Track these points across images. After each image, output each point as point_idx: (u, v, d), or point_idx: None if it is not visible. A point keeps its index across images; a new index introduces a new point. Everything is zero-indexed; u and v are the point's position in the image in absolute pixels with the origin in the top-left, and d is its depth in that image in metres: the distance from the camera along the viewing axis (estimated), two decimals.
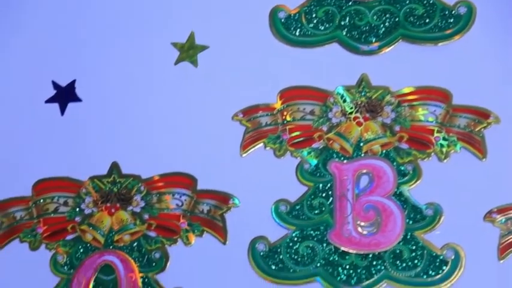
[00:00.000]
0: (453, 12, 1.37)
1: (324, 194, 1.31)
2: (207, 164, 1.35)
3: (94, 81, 1.42)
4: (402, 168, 1.30)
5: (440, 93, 1.33)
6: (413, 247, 1.26)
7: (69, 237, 1.33)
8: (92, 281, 1.30)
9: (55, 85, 1.44)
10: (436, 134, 1.31)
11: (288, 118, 1.36)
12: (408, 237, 1.26)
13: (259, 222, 1.31)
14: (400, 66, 1.36)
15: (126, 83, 1.41)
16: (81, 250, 1.32)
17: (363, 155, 1.32)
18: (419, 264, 1.25)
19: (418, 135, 1.32)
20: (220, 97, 1.38)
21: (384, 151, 1.32)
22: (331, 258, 1.28)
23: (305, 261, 1.28)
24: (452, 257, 1.25)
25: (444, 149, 1.31)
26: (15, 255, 1.33)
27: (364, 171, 1.30)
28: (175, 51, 1.42)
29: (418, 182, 1.29)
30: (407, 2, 1.38)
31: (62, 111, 1.42)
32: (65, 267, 1.31)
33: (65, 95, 1.43)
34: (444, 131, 1.32)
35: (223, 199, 1.33)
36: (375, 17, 1.38)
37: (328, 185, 1.31)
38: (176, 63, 1.42)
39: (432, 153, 1.30)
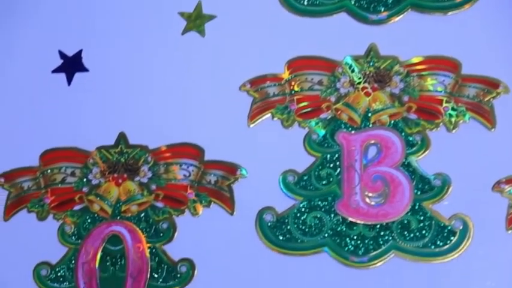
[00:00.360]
0: None
1: (331, 165, 1.30)
2: (215, 134, 1.34)
3: (101, 51, 1.42)
4: (410, 138, 1.30)
5: (450, 62, 1.32)
6: (421, 218, 1.26)
7: (77, 207, 1.33)
8: (100, 251, 1.30)
9: (62, 55, 1.43)
10: (444, 104, 1.31)
11: (296, 88, 1.35)
12: (416, 207, 1.26)
13: (266, 193, 1.31)
14: (409, 35, 1.35)
15: (133, 53, 1.41)
16: (89, 220, 1.33)
17: (371, 125, 1.31)
18: (427, 234, 1.25)
19: (426, 105, 1.31)
20: (228, 67, 1.37)
21: (392, 121, 1.31)
22: (339, 229, 1.27)
23: (313, 231, 1.28)
24: (461, 228, 1.25)
25: (453, 119, 1.30)
26: (23, 226, 1.34)
27: (372, 141, 1.30)
28: (183, 20, 1.41)
29: (426, 152, 1.29)
30: None
31: (69, 81, 1.42)
32: (73, 237, 1.32)
33: (71, 65, 1.42)
34: (453, 101, 1.31)
35: (230, 170, 1.33)
36: None
37: (336, 155, 1.31)
38: (183, 33, 1.41)
39: (441, 124, 1.30)
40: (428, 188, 1.27)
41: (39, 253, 1.31)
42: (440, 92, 1.31)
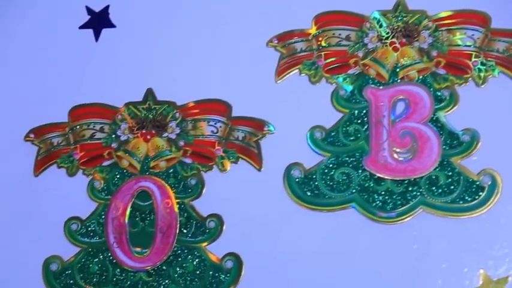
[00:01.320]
0: None
1: (359, 121, 1.30)
2: (242, 90, 1.34)
3: (128, 6, 1.42)
4: (439, 93, 1.29)
5: (479, 16, 1.31)
6: (450, 173, 1.25)
7: (106, 163, 1.34)
8: (129, 207, 1.31)
9: (89, 11, 1.43)
10: (474, 59, 1.29)
11: (323, 44, 1.34)
12: (444, 163, 1.26)
13: (294, 149, 1.31)
14: None
15: (161, 8, 1.40)
16: (118, 176, 1.34)
17: (399, 80, 1.30)
18: (455, 190, 1.25)
19: (455, 60, 1.30)
20: (255, 23, 1.37)
21: (421, 77, 1.30)
22: (367, 185, 1.28)
23: (340, 187, 1.28)
24: (489, 183, 1.24)
25: (482, 74, 1.29)
26: (53, 181, 1.35)
27: (400, 97, 1.29)
28: None
29: (455, 107, 1.28)
30: None
31: (96, 37, 1.42)
32: (102, 193, 1.33)
33: (98, 21, 1.42)
34: (482, 56, 1.29)
35: (258, 126, 1.33)
36: None
37: (364, 111, 1.30)
38: None
39: (470, 79, 1.29)
40: (456, 143, 1.27)
41: (70, 208, 1.33)
42: (470, 46, 1.30)
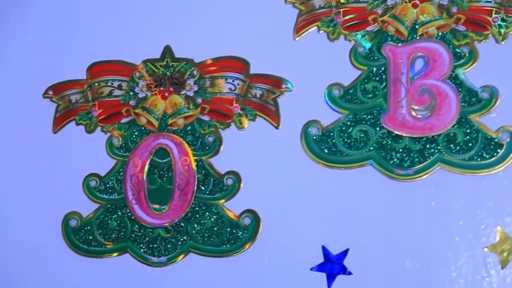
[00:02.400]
0: None
1: (377, 78, 1.29)
2: (260, 47, 1.34)
3: None
4: (458, 50, 1.28)
5: None
6: (468, 130, 1.25)
7: (124, 120, 1.35)
8: (147, 164, 1.32)
9: None
10: (494, 15, 1.28)
11: (342, 0, 1.33)
12: (463, 120, 1.25)
13: (312, 106, 1.31)
14: None
15: None
16: (136, 133, 1.34)
17: (418, 37, 1.29)
18: (473, 147, 1.24)
19: (475, 17, 1.28)
20: None
21: (440, 33, 1.29)
22: (384, 142, 1.27)
23: (358, 145, 1.28)
24: (508, 140, 1.23)
25: (502, 30, 1.27)
26: (72, 138, 1.36)
27: (419, 54, 1.28)
28: None
29: (474, 64, 1.27)
30: None
31: None
32: (121, 150, 1.34)
33: None
34: (503, 12, 1.28)
35: (276, 83, 1.33)
36: None
37: (382, 68, 1.29)
38: None
39: (490, 35, 1.27)
40: (475, 100, 1.26)
41: (88, 165, 1.34)
42: (490, 2, 1.28)
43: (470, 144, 1.24)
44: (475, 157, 1.24)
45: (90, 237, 1.32)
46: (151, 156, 1.32)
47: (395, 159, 1.26)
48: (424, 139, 1.26)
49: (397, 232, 1.24)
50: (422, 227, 1.23)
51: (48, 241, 1.33)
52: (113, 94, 1.36)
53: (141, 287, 1.29)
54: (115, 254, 1.31)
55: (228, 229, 1.29)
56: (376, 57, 1.30)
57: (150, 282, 1.29)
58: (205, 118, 1.33)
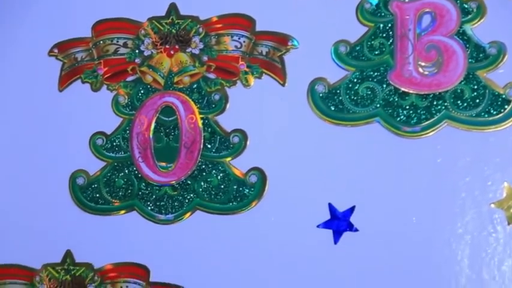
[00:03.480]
0: None
1: (384, 34, 1.28)
2: (266, 4, 1.32)
3: None
4: (466, 6, 1.26)
5: None
6: (475, 86, 1.24)
7: (130, 78, 1.35)
8: (154, 122, 1.32)
9: None
10: None
11: None
12: (470, 76, 1.24)
13: (318, 64, 1.30)
14: None
15: None
16: (142, 91, 1.34)
17: None
18: (480, 103, 1.24)
19: None
20: None
21: None
22: (391, 99, 1.27)
23: (364, 102, 1.27)
24: None
25: None
26: (78, 96, 1.36)
27: (427, 10, 1.27)
28: None
29: (481, 20, 1.26)
30: None
31: None
32: (127, 108, 1.34)
33: None
34: None
35: (282, 40, 1.32)
36: None
37: (389, 25, 1.28)
38: None
39: None
40: (483, 56, 1.25)
41: (94, 123, 1.34)
42: None
43: (477, 101, 1.24)
44: (482, 113, 1.23)
45: (97, 195, 1.32)
46: (157, 115, 1.32)
47: (402, 116, 1.26)
48: (431, 96, 1.25)
49: (403, 189, 1.24)
50: (428, 184, 1.23)
51: (56, 199, 1.33)
52: (119, 52, 1.35)
53: (148, 244, 1.29)
54: (122, 212, 1.32)
55: (235, 187, 1.30)
56: (383, 14, 1.29)
57: (157, 240, 1.29)
58: (211, 76, 1.33)
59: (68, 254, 1.31)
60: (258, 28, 1.32)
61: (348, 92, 1.28)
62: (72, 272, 1.30)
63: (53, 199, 1.33)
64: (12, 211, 1.34)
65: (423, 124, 1.25)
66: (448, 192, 1.23)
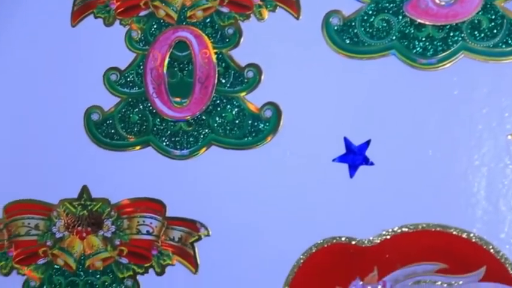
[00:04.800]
0: None
1: None
2: None
3: None
4: None
5: None
6: (493, 16, 1.22)
7: (142, 13, 1.32)
8: (167, 57, 1.31)
9: None
10: None
11: None
12: (488, 6, 1.22)
13: None
14: None
15: None
16: (155, 26, 1.32)
17: None
18: (498, 33, 1.21)
19: None
20: None
21: None
22: (407, 31, 1.25)
23: (380, 34, 1.26)
24: None
25: None
26: (91, 32, 1.35)
27: None
28: None
29: None
30: None
31: None
32: (140, 44, 1.33)
33: None
34: None
35: None
36: None
37: None
38: None
39: None
40: None
41: (108, 59, 1.33)
42: None
43: (495, 31, 1.22)
44: (500, 44, 1.21)
45: (113, 131, 1.32)
46: (171, 50, 1.31)
47: (418, 48, 1.24)
48: (448, 27, 1.23)
49: (419, 122, 1.23)
50: (445, 116, 1.22)
51: (71, 135, 1.33)
52: None
53: (163, 179, 1.30)
54: (137, 148, 1.32)
55: (250, 122, 1.29)
56: None
57: (172, 175, 1.30)
58: (225, 10, 1.31)
59: (85, 190, 1.32)
60: None
61: (363, 24, 1.26)
62: (89, 207, 1.31)
63: (69, 135, 1.33)
64: (29, 148, 1.35)
65: (439, 56, 1.23)
66: (465, 124, 1.21)
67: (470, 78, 1.22)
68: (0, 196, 1.34)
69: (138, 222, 1.30)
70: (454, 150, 1.22)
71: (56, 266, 1.30)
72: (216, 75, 1.30)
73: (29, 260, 1.31)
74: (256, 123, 1.29)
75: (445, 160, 1.22)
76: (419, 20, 1.24)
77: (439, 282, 1.17)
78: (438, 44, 1.23)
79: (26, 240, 1.31)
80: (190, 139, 1.31)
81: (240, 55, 1.31)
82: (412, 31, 1.24)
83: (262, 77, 1.29)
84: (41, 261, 1.31)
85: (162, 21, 1.32)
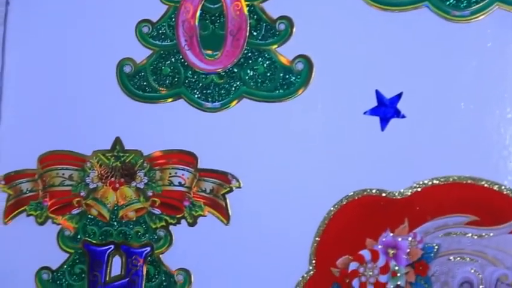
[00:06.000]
0: None
1: None
2: None
3: None
4: None
5: None
6: None
7: None
8: (199, 9, 1.31)
9: None
10: None
11: None
12: None
13: None
14: None
15: None
16: None
17: None
18: None
19: None
20: None
21: None
22: None
23: None
24: None
25: None
26: None
27: None
28: None
29: None
30: None
31: None
32: None
33: None
34: None
35: None
36: None
37: None
38: None
39: None
40: None
41: (140, 11, 1.33)
42: None
43: None
44: None
45: (145, 83, 1.33)
46: (202, 2, 1.31)
47: (451, 0, 1.23)
48: None
49: (451, 74, 1.22)
50: (477, 68, 1.21)
51: (103, 87, 1.35)
52: None
53: (195, 132, 1.31)
54: (169, 100, 1.33)
55: (281, 74, 1.29)
56: None
57: (204, 127, 1.31)
58: None
59: (118, 141, 1.33)
60: None
61: None
62: (122, 159, 1.33)
63: (102, 88, 1.35)
64: (63, 100, 1.36)
65: (473, 8, 1.22)
66: (497, 77, 1.21)
67: (504, 30, 1.21)
68: (35, 147, 1.36)
69: (170, 173, 1.31)
70: (486, 103, 1.21)
71: (89, 216, 1.32)
72: (248, 27, 1.30)
73: (64, 210, 1.34)
74: (287, 76, 1.29)
75: (477, 113, 1.21)
76: None
77: (470, 234, 1.17)
78: None
79: (60, 191, 1.34)
80: (222, 92, 1.31)
81: (272, 8, 1.30)
82: None
83: (294, 30, 1.29)
84: (75, 211, 1.33)
85: None
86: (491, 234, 1.17)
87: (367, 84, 1.25)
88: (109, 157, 1.33)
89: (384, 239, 1.21)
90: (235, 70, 1.31)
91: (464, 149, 1.21)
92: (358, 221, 1.23)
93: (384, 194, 1.22)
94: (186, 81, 1.32)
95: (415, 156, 1.22)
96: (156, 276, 1.29)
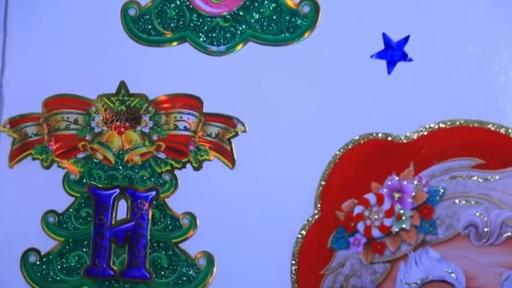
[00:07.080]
0: None
1: None
2: None
3: None
4: None
5: None
6: None
7: None
8: None
9: None
10: None
11: None
12: None
13: None
14: None
15: None
16: None
17: None
18: None
19: None
20: None
21: None
22: None
23: None
24: None
25: None
26: None
27: None
28: None
29: None
30: None
31: None
32: None
33: None
34: None
35: None
36: None
37: None
38: None
39: None
40: None
41: None
42: None
43: None
44: None
45: (150, 27, 1.32)
46: None
47: None
48: None
49: (459, 17, 1.21)
50: (485, 11, 1.20)
51: (108, 30, 1.33)
52: None
53: (200, 75, 1.30)
54: (174, 43, 1.31)
55: (287, 17, 1.28)
56: None
57: (209, 71, 1.30)
58: None
59: (122, 85, 1.32)
60: None
61: None
62: (127, 103, 1.32)
63: (106, 30, 1.33)
64: (67, 43, 1.35)
65: None
66: (506, 20, 1.19)
67: None
68: (39, 90, 1.36)
69: (175, 118, 1.31)
70: (494, 45, 1.20)
71: (95, 160, 1.32)
72: None
73: (69, 154, 1.34)
74: (293, 19, 1.28)
75: (485, 55, 1.20)
76: None
77: (475, 177, 1.17)
78: None
79: (66, 135, 1.34)
80: (227, 35, 1.30)
81: None
82: None
83: None
84: (80, 155, 1.33)
85: None
86: (497, 177, 1.16)
87: (374, 27, 1.24)
88: (114, 101, 1.32)
89: (389, 183, 1.20)
90: (241, 13, 1.29)
91: (471, 92, 1.20)
92: (363, 165, 1.22)
93: (390, 138, 1.22)
94: (191, 24, 1.31)
95: (421, 99, 1.22)
96: (162, 220, 1.30)
